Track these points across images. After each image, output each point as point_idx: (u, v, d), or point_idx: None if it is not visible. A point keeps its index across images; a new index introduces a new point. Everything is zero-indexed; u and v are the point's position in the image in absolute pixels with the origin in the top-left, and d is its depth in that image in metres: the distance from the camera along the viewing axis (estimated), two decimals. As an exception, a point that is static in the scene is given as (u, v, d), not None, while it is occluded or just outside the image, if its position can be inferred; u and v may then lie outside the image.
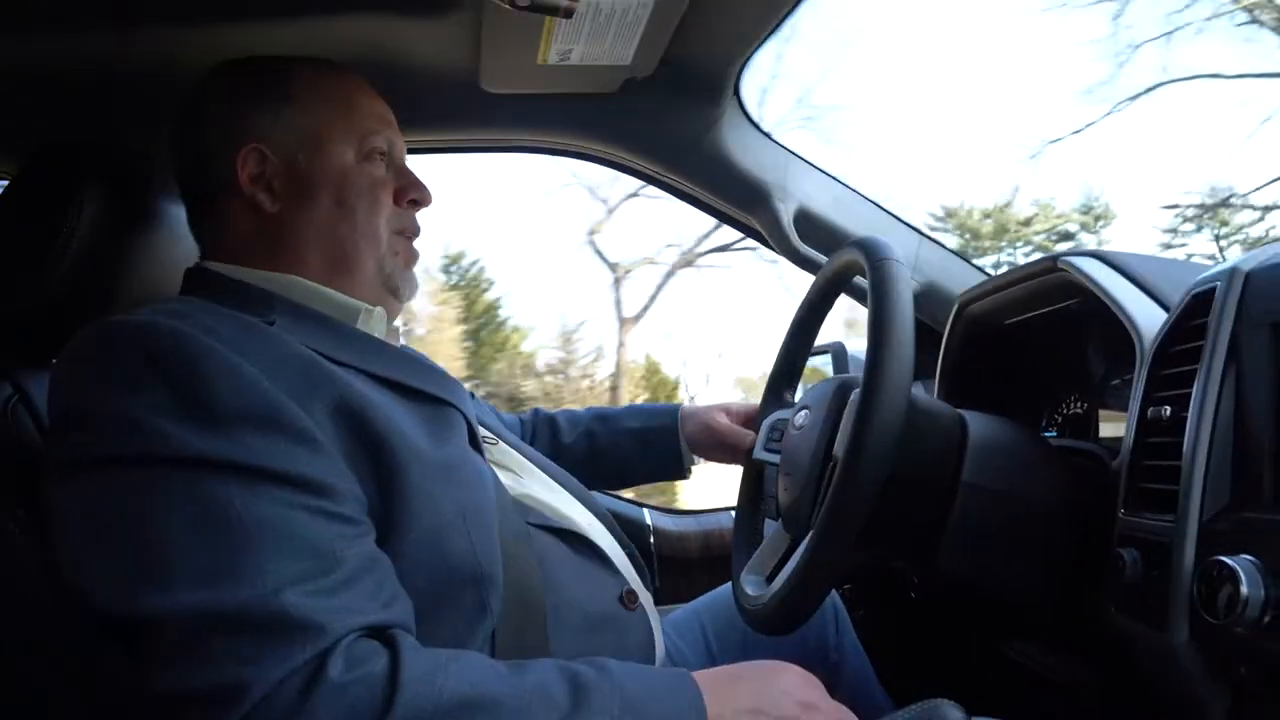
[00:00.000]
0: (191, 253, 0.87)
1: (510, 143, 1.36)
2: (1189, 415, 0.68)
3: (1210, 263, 0.80)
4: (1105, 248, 1.13)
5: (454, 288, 14.34)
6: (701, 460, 1.21)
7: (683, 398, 13.19)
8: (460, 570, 0.72)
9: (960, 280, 1.34)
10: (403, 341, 0.92)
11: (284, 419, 0.65)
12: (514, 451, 0.95)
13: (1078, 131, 11.21)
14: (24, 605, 0.74)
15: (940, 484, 0.81)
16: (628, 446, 1.19)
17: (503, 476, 0.85)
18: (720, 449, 1.16)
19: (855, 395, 0.78)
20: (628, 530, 1.01)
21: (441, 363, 0.98)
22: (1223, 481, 0.66)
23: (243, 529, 0.59)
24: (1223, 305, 0.70)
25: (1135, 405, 0.77)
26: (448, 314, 13.77)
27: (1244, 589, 0.59)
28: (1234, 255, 0.77)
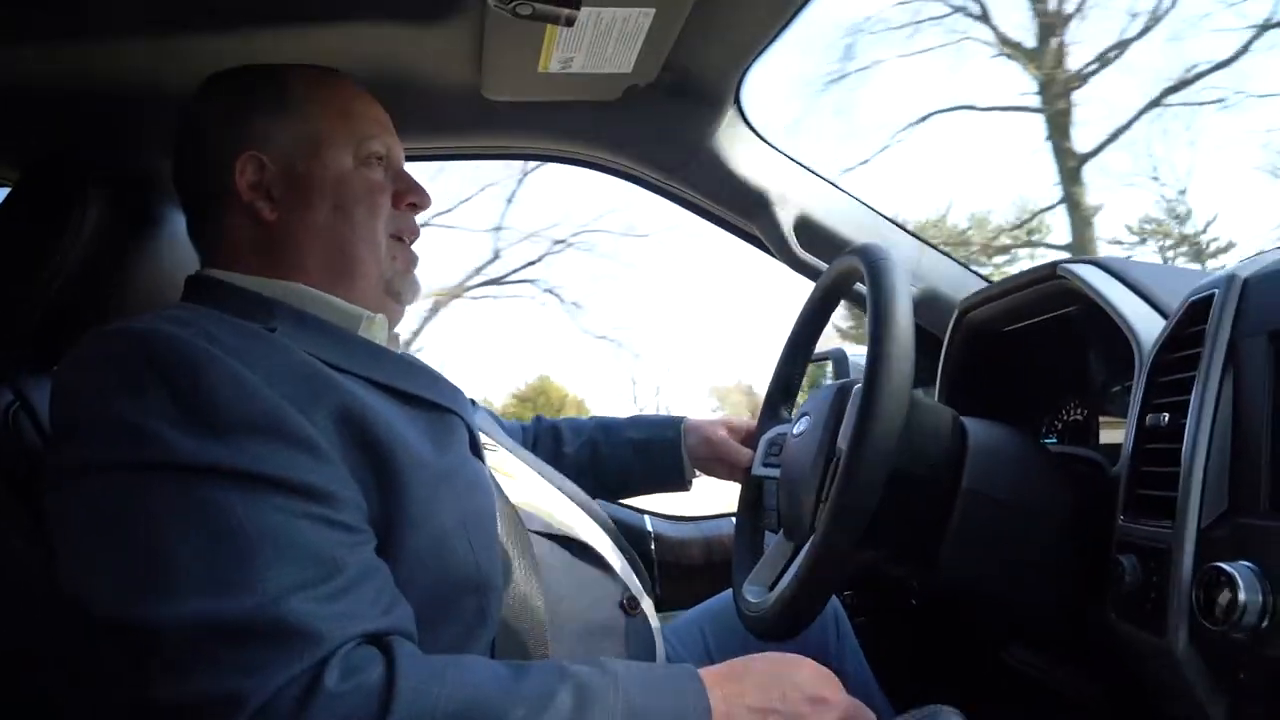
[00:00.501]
0: (192, 260, 0.88)
1: (511, 150, 1.37)
2: (1187, 422, 0.69)
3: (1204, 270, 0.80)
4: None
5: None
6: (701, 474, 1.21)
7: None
8: (461, 577, 0.72)
9: (960, 287, 1.34)
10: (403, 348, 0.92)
11: (286, 426, 0.65)
12: (514, 458, 0.96)
13: (865, 162, 12.12)
14: (27, 613, 0.74)
15: (941, 487, 0.80)
16: (629, 457, 1.19)
17: (503, 483, 0.85)
18: (719, 464, 1.16)
19: (857, 391, 0.78)
20: (629, 536, 1.01)
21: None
22: (1221, 488, 0.66)
23: (244, 536, 0.59)
24: (1221, 312, 0.70)
25: (1134, 412, 0.77)
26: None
27: (1242, 594, 0.59)
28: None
